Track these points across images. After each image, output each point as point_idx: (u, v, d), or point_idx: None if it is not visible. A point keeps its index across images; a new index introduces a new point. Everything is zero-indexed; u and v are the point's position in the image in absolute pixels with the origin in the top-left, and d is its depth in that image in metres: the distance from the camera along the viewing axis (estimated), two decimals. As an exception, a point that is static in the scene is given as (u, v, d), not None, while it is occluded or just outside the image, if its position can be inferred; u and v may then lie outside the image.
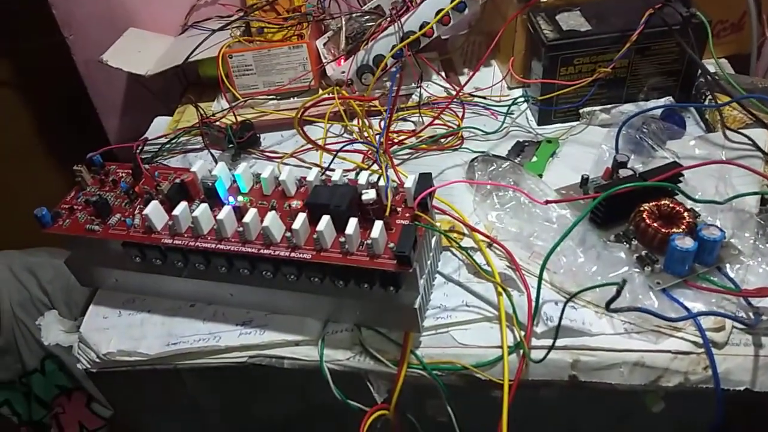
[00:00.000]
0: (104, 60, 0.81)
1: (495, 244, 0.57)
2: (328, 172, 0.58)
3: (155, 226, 0.55)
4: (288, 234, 0.51)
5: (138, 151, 0.73)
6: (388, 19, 0.78)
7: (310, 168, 0.71)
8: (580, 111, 0.73)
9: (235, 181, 0.59)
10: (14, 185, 1.37)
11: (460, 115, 0.75)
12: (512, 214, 0.59)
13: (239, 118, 0.78)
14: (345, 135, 0.78)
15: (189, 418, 0.63)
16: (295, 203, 0.53)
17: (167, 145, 0.77)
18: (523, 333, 0.51)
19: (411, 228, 0.49)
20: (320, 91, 0.82)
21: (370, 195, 0.51)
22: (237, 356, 0.55)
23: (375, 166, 0.68)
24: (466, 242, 0.58)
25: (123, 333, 0.58)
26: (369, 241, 0.49)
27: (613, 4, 0.71)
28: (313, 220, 0.51)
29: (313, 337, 0.55)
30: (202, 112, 0.77)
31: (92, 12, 0.92)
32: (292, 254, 0.51)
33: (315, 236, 0.50)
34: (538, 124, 0.75)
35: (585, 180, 0.61)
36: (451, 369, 0.52)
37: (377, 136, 0.67)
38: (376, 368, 0.53)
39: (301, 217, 0.51)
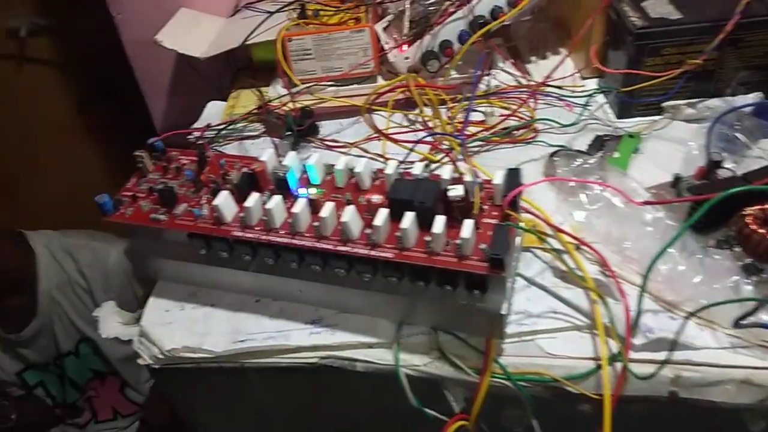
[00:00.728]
0: (159, 41, 0.78)
1: (584, 247, 0.53)
2: (406, 166, 0.54)
3: (225, 217, 0.52)
4: (368, 231, 0.48)
5: (197, 138, 0.70)
6: (456, 2, 0.74)
7: (377, 159, 0.69)
8: (663, 105, 0.68)
9: (305, 172, 0.56)
10: (52, 165, 1.36)
11: (531, 105, 0.71)
12: (599, 213, 0.55)
13: (296, 105, 0.74)
14: (411, 124, 0.74)
15: (251, 419, 0.60)
16: (376, 198, 0.49)
17: (223, 131, 0.74)
18: (621, 345, 0.47)
19: (504, 228, 0.46)
20: (379, 79, 0.79)
21: (457, 191, 0.48)
22: (307, 356, 0.53)
23: (444, 158, 0.64)
24: (550, 244, 0.55)
25: (186, 328, 0.55)
26: (458, 241, 0.46)
27: (702, -9, 0.66)
28: (395, 217, 0.48)
29: (387, 339, 0.52)
30: (264, 98, 0.73)
31: (142, -10, 0.90)
32: (372, 252, 0.48)
33: (398, 234, 0.47)
34: (617, 117, 0.70)
35: (677, 180, 0.57)
36: (539, 380, 0.49)
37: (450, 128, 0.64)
38: (455, 376, 0.50)
39: (383, 213, 0.48)
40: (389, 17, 0.81)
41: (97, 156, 1.34)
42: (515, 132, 0.68)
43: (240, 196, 0.53)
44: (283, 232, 0.51)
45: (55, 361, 1.25)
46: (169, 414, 1.20)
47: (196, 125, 0.76)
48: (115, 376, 1.29)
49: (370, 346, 0.52)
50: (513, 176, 0.49)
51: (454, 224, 0.48)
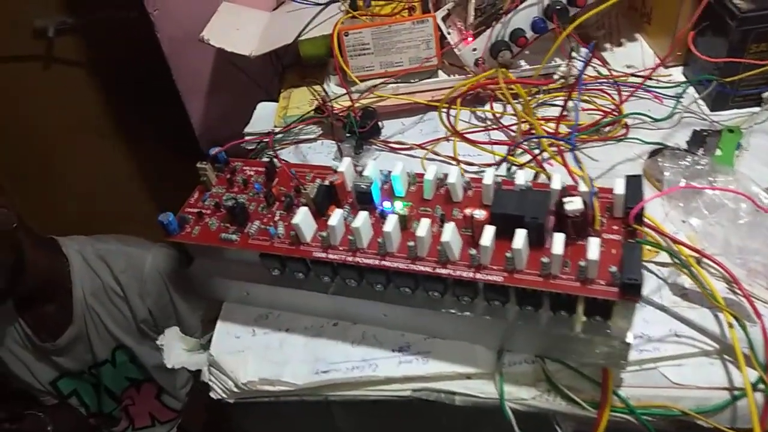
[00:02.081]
0: (205, 38, 0.73)
1: (706, 260, 0.48)
2: (500, 173, 0.49)
3: (305, 237, 0.47)
4: (472, 251, 0.43)
5: (258, 146, 0.64)
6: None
7: (449, 162, 0.63)
8: (764, 95, 0.62)
9: (385, 182, 0.50)
10: (81, 167, 1.31)
11: (615, 98, 0.65)
12: (719, 221, 0.49)
13: (355, 104, 0.69)
14: (479, 121, 0.68)
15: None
16: (478, 213, 0.43)
17: (278, 135, 0.69)
18: (763, 372, 0.42)
19: (637, 247, 0.40)
20: (440, 73, 0.73)
21: (575, 204, 0.42)
22: (398, 389, 0.47)
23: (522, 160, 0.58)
24: (665, 257, 0.49)
25: (261, 356, 0.50)
26: (582, 263, 0.40)
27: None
28: (500, 234, 0.43)
29: (487, 369, 0.47)
30: (323, 99, 0.68)
31: (180, -16, 0.84)
32: (477, 275, 0.43)
33: (508, 255, 0.42)
34: (711, 110, 0.64)
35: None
36: (666, 414, 0.43)
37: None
38: (569, 410, 0.45)
39: (489, 230, 0.42)
40: (448, 5, 0.75)
41: (127, 158, 1.29)
42: (604, 129, 0.62)
43: (318, 212, 0.48)
44: (371, 252, 0.46)
45: (90, 369, 1.21)
46: (207, 420, 1.17)
47: (248, 129, 0.71)
48: (151, 383, 1.26)
49: (468, 376, 0.47)
50: (634, 184, 0.44)
51: (568, 242, 0.42)
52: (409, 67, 0.72)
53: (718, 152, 0.58)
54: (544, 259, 0.41)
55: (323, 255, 0.46)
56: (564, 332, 0.43)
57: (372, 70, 0.72)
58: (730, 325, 0.44)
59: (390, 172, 0.50)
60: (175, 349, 0.54)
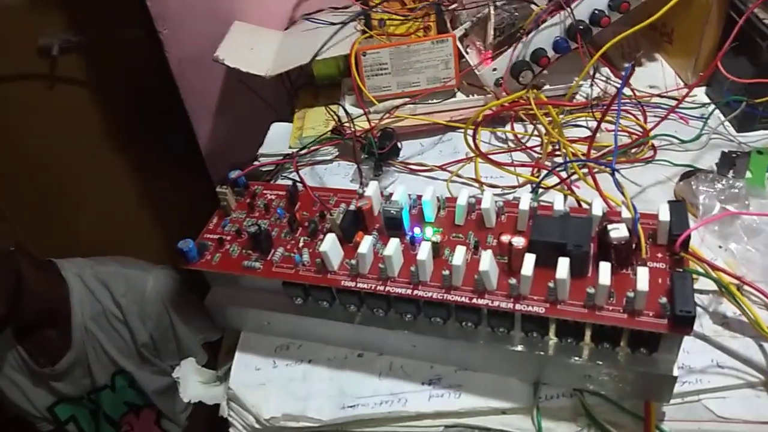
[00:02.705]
0: (220, 58, 0.71)
1: (747, 288, 0.46)
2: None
3: (332, 264, 0.45)
4: (512, 281, 0.41)
5: (276, 169, 0.62)
6: (550, 8, 0.67)
7: (471, 185, 0.62)
8: (791, 116, 0.61)
9: (413, 207, 0.49)
10: (85, 189, 1.29)
11: (640, 119, 0.63)
12: (758, 246, 0.48)
13: (373, 125, 0.67)
14: (500, 142, 0.67)
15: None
16: (517, 241, 0.41)
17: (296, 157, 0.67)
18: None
19: (688, 278, 0.38)
20: (457, 93, 0.71)
21: (620, 232, 0.40)
22: (430, 425, 0.45)
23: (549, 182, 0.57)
24: (703, 283, 0.47)
25: (284, 390, 0.48)
26: (630, 294, 0.38)
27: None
28: (541, 263, 0.41)
29: (523, 403, 0.45)
30: (341, 119, 0.66)
31: (191, 4, 0.82)
32: (517, 306, 0.41)
33: (551, 285, 0.40)
34: (738, 131, 0.63)
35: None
36: (714, 451, 0.41)
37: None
38: (611, 446, 0.43)
39: (530, 259, 0.41)
40: (466, 25, 0.74)
41: (132, 178, 1.27)
42: (631, 150, 0.60)
43: (344, 238, 0.46)
44: (402, 281, 0.44)
45: (89, 395, 1.18)
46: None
47: (263, 150, 0.69)
48: (150, 408, 1.23)
49: (503, 411, 0.45)
50: (678, 210, 0.42)
51: (612, 271, 0.40)
52: (427, 87, 0.70)
53: (749, 174, 0.57)
54: (590, 290, 0.39)
55: (352, 284, 0.44)
56: (607, 365, 0.41)
57: (389, 90, 0.71)
58: (780, 357, 0.42)
59: (419, 196, 0.48)
60: (191, 382, 0.52)
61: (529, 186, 0.59)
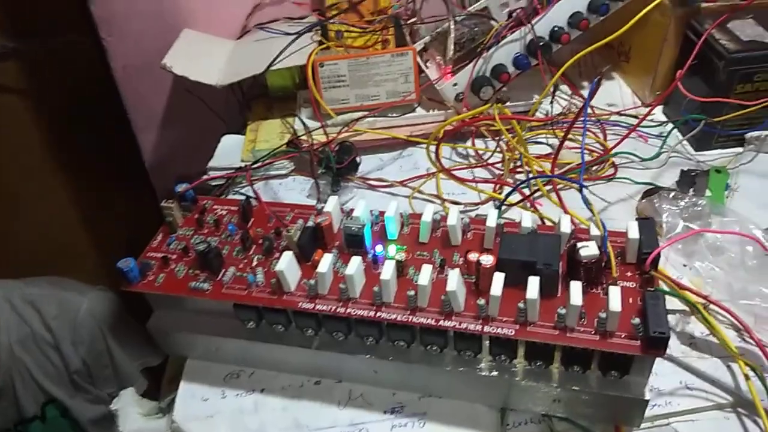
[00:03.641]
0: (167, 66, 0.67)
1: (713, 307, 0.45)
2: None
3: (289, 285, 0.42)
4: (480, 301, 0.38)
5: (227, 182, 0.59)
6: (510, 24, 0.66)
7: (433, 201, 0.60)
8: (746, 136, 0.62)
9: (377, 224, 0.46)
10: (15, 203, 1.21)
11: (599, 137, 0.63)
12: (716, 263, 0.47)
13: (331, 138, 0.65)
14: (461, 158, 0.65)
15: None
16: (485, 259, 0.39)
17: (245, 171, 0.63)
18: (786, 430, 0.39)
19: (661, 298, 0.37)
20: (417, 108, 0.70)
21: (590, 250, 0.39)
22: (393, 457, 0.42)
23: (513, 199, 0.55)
24: (670, 303, 0.46)
25: (234, 423, 0.44)
26: (602, 314, 0.37)
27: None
28: (509, 283, 0.39)
29: (490, 431, 0.42)
30: (300, 132, 0.64)
31: (138, 10, 0.78)
32: (486, 328, 0.39)
33: (521, 305, 0.38)
34: (696, 150, 0.63)
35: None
36: (687, 478, 0.40)
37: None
38: (582, 474, 0.41)
39: (499, 278, 0.39)
40: (425, 39, 0.72)
41: (71, 194, 1.19)
42: (592, 168, 0.60)
43: (302, 257, 0.43)
44: (364, 302, 0.41)
45: (16, 427, 1.09)
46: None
47: (213, 163, 0.65)
48: (84, 441, 1.14)
49: (471, 439, 0.42)
50: (647, 228, 0.41)
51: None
52: (387, 101, 0.68)
53: (708, 193, 0.57)
54: (561, 310, 0.37)
55: (310, 306, 0.41)
56: (578, 389, 0.39)
57: (347, 103, 0.68)
58: (746, 376, 0.41)
59: (381, 212, 0.46)
60: (131, 414, 0.48)
61: (492, 203, 0.57)
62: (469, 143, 0.66)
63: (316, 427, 0.43)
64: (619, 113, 0.65)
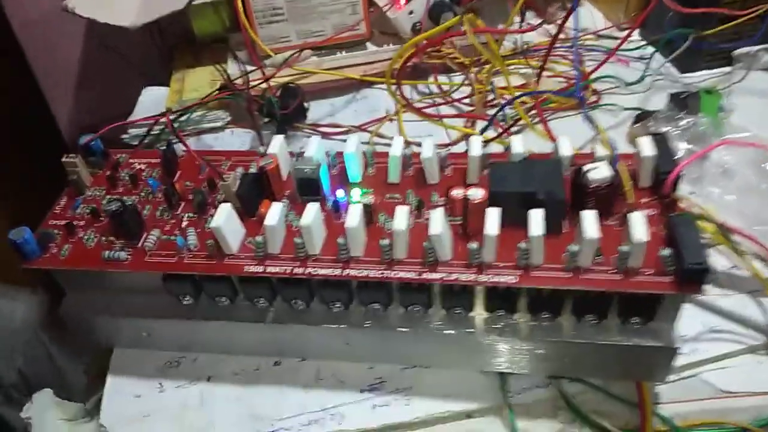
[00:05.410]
0: (69, 7, 0.56)
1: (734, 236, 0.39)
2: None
3: (230, 246, 0.33)
4: (472, 245, 0.31)
5: (145, 135, 0.49)
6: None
7: (415, 144, 0.51)
8: (734, 53, 0.56)
9: (332, 167, 0.38)
10: None
11: (573, 63, 0.56)
12: (726, 188, 0.42)
13: (271, 82, 0.55)
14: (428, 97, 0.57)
15: None
16: (474, 193, 0.32)
17: (176, 123, 0.53)
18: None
19: (691, 223, 0.30)
20: (368, 45, 0.61)
21: (602, 172, 0.31)
22: (376, 444, 0.35)
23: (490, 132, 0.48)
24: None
25: (176, 421, 0.36)
26: (624, 248, 0.29)
27: None
28: (506, 221, 0.31)
29: (490, 401, 0.36)
30: (229, 76, 0.54)
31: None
32: (480, 277, 0.31)
33: (522, 246, 0.30)
34: (681, 72, 0.57)
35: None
36: (722, 433, 0.34)
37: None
38: (601, 442, 0.34)
39: (494, 215, 0.31)
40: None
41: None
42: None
43: (245, 211, 0.35)
44: (327, 259, 0.33)
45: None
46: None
47: (133, 118, 0.55)
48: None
49: (468, 414, 0.35)
50: (662, 145, 0.34)
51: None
52: (333, 36, 0.59)
53: (701, 116, 0.51)
54: (572, 248, 0.30)
55: (259, 269, 0.33)
56: (594, 342, 0.33)
57: (288, 41, 0.59)
58: (782, 311, 0.35)
59: (339, 153, 0.37)
60: (49, 421, 0.38)
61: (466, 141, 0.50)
62: (431, 80, 0.58)
63: (278, 416, 0.35)
64: (595, 33, 0.59)
